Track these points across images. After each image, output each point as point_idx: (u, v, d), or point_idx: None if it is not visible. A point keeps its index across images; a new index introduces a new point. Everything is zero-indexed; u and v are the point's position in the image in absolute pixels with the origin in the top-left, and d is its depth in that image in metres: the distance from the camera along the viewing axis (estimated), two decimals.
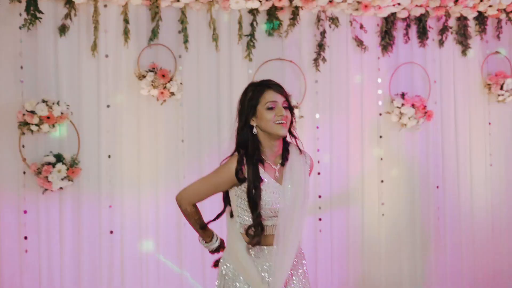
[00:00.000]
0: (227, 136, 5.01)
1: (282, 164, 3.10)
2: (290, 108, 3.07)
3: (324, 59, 5.22)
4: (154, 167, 4.93)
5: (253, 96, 3.04)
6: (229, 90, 5.06)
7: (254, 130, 3.04)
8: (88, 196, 4.78)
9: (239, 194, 3.04)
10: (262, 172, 3.02)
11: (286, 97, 3.07)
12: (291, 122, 3.09)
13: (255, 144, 3.04)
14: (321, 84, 5.28)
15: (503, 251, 5.81)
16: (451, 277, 5.64)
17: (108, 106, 4.81)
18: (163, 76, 4.79)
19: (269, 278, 3.05)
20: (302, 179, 3.09)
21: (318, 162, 5.24)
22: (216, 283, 3.20)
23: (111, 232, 4.82)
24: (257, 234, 3.02)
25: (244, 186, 3.02)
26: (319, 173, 5.26)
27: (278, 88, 3.06)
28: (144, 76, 4.79)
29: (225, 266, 3.15)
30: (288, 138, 3.14)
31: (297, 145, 3.15)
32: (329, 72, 5.30)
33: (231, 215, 3.15)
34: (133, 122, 4.89)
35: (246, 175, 2.99)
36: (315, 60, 5.21)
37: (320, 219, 5.29)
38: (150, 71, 4.81)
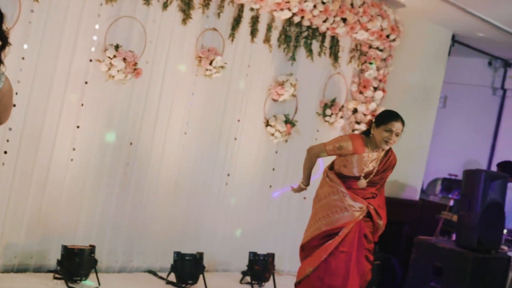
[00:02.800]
0: None
1: None
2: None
3: None
4: None
5: None
6: None
7: None
8: None
9: None
10: None
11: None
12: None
13: None
14: (37, 15, 5.05)
15: (179, 212, 6.14)
16: (126, 230, 5.82)
17: None
18: None
19: None
20: None
21: (16, 93, 5.01)
22: None
23: None
24: None
25: None
26: (14, 105, 5.01)
27: None
28: None
29: None
30: None
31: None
32: (48, 4, 5.09)
33: None
34: None
35: None
36: None
37: (5, 152, 5.08)
38: None
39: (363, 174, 4.94)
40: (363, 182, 4.96)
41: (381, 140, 4.91)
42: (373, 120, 5.04)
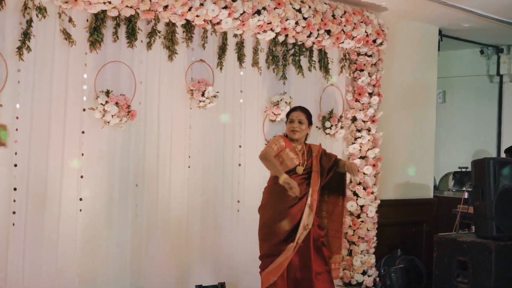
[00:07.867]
0: None
1: None
2: None
3: (29, 48, 5.08)
4: None
5: None
6: None
7: None
8: None
9: None
10: None
11: None
12: None
13: None
14: (24, 74, 5.12)
15: (194, 246, 6.13)
16: (144, 270, 5.81)
17: None
18: None
19: None
20: None
21: (16, 153, 5.08)
22: None
23: None
24: None
25: None
26: (16, 165, 5.11)
27: None
28: None
29: None
30: None
31: None
32: (34, 62, 5.17)
33: None
34: None
35: None
36: (19, 48, 5.05)
37: (14, 212, 5.12)
38: None
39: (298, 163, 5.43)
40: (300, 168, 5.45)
41: (290, 132, 5.44)
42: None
